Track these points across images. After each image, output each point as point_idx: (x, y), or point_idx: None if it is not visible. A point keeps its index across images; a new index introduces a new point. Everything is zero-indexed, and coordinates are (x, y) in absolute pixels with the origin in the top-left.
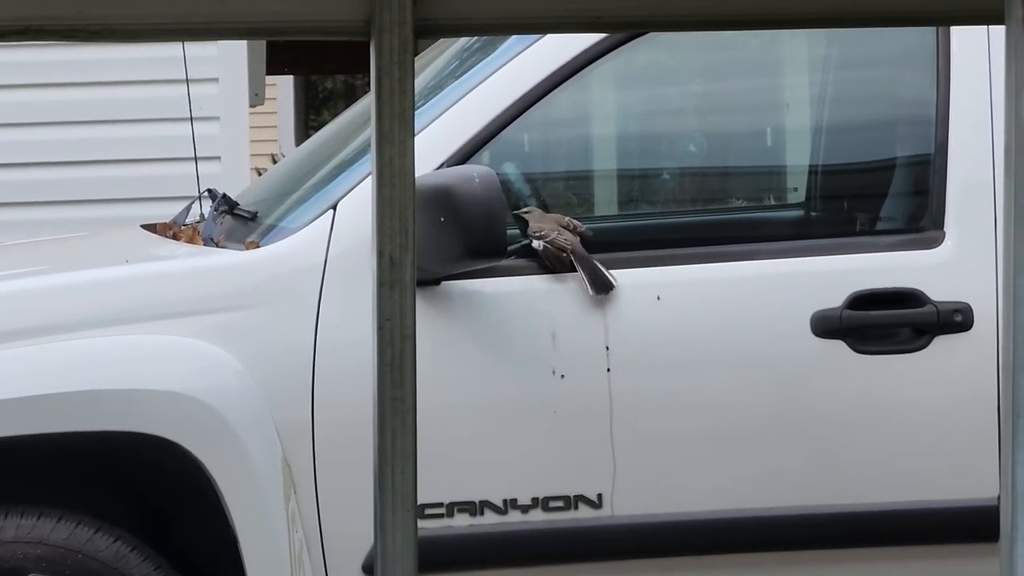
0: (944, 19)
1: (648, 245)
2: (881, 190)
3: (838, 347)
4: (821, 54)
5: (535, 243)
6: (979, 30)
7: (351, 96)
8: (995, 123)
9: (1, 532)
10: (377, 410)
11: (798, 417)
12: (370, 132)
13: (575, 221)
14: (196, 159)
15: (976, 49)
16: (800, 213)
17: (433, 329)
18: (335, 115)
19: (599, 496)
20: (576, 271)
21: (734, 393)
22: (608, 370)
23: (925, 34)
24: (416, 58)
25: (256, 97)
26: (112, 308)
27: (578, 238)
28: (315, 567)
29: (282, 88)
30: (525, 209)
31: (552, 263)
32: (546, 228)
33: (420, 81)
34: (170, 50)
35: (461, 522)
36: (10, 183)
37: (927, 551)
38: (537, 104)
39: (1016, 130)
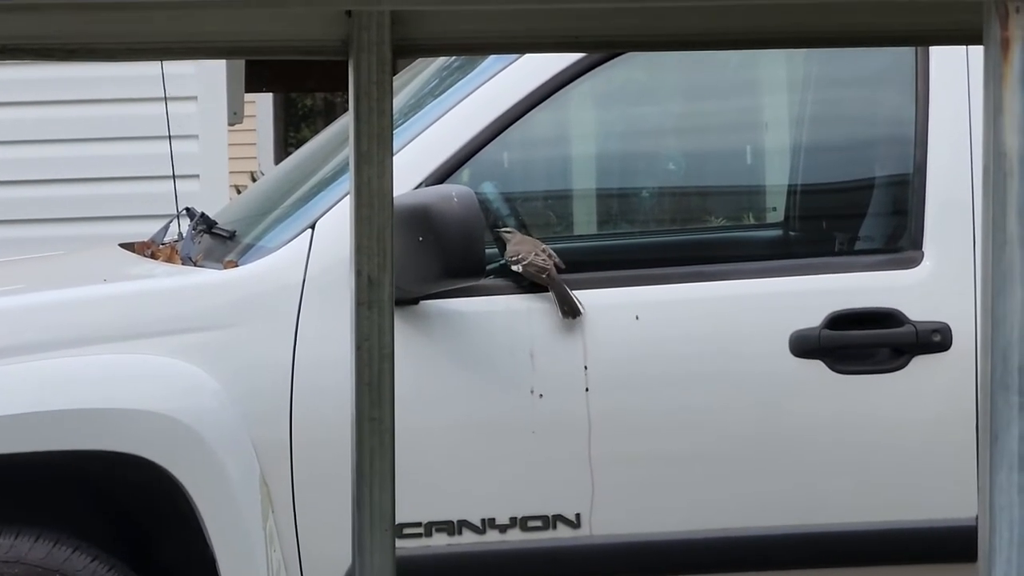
0: (923, 39)
1: (627, 264)
2: (860, 210)
3: (817, 367)
4: (800, 73)
5: (514, 267)
6: (958, 49)
7: (331, 113)
8: (974, 143)
9: None
10: (355, 430)
11: (777, 437)
12: (348, 151)
13: (550, 250)
14: (175, 177)
15: (955, 69)
16: (779, 233)
17: (411, 349)
18: (314, 132)
19: (577, 516)
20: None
21: (713, 413)
22: (587, 390)
23: (904, 54)
24: (395, 77)
25: (235, 116)
26: (90, 327)
27: (552, 262)
28: None
29: (261, 105)
30: (506, 229)
31: (533, 281)
32: (523, 251)
33: (399, 100)
34: (148, 68)
35: (439, 542)
36: None
37: (905, 571)
38: (516, 123)
39: (995, 152)
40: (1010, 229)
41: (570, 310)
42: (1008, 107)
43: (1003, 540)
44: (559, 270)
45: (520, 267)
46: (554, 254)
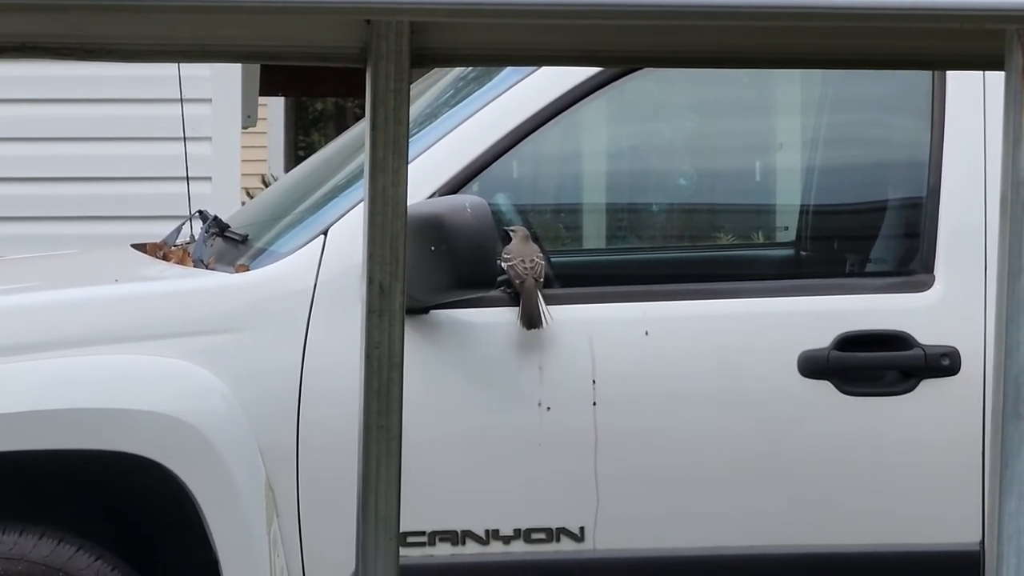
0: (944, 64)
1: (638, 280)
2: (872, 232)
3: (825, 388)
4: (816, 94)
5: (501, 263)
6: (975, 74)
7: (341, 118)
8: (988, 168)
9: None
10: (362, 437)
11: (783, 456)
12: (363, 159)
13: (542, 261)
14: (188, 179)
15: (971, 93)
16: (790, 252)
17: (420, 357)
18: (325, 137)
19: (581, 529)
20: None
21: (720, 430)
22: (594, 404)
23: (921, 77)
24: (411, 85)
25: (249, 119)
26: (100, 327)
27: (540, 269)
28: None
29: (273, 109)
30: (513, 228)
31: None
32: (515, 252)
33: (415, 109)
34: (164, 70)
35: (443, 551)
36: (1, 198)
37: None
38: (531, 136)
39: (1013, 180)
40: None
41: (528, 321)
42: None
43: (1010, 568)
44: (540, 282)
45: (505, 264)
46: (543, 265)
